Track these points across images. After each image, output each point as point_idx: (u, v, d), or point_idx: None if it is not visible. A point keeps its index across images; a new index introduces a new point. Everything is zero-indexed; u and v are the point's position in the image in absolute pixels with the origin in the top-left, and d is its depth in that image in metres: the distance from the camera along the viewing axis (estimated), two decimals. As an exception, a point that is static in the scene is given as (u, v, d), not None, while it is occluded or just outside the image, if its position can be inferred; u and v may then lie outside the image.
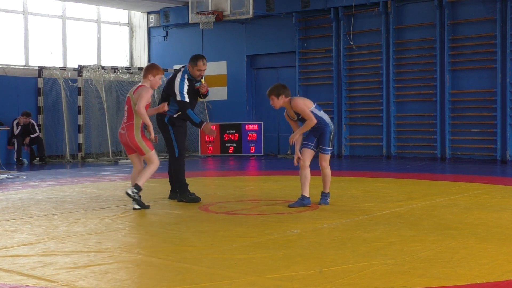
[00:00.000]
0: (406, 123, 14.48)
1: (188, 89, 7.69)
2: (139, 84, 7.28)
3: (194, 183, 10.02)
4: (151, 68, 7.29)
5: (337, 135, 15.18)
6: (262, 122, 16.04)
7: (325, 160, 7.20)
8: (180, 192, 7.81)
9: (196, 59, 7.72)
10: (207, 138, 16.03)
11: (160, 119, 7.82)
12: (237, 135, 16.10)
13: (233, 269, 4.35)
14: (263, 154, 16.03)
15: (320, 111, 7.17)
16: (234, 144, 16.09)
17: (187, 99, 7.64)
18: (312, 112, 7.04)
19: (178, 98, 7.62)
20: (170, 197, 8.00)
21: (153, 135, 7.22)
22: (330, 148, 7.17)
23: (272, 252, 4.85)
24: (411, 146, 14.43)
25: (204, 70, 7.77)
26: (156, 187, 9.46)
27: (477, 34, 13.46)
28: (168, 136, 7.76)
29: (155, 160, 7.17)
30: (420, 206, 7.12)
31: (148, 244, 5.21)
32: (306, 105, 7.04)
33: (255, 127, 16.03)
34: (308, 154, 7.14)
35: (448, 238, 5.29)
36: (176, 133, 7.72)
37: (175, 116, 7.71)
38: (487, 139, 13.37)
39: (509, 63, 12.94)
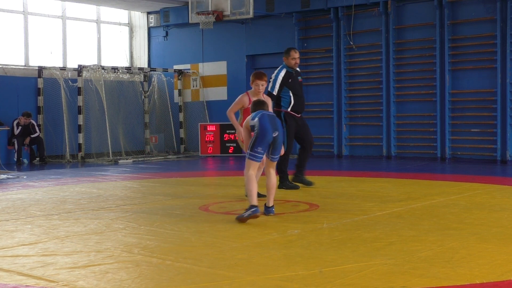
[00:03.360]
0: (406, 123, 14.47)
1: (292, 82, 8.57)
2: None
3: (194, 183, 10.03)
4: (251, 76, 7.68)
5: (337, 135, 15.19)
6: (262, 122, 16.00)
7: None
8: (280, 180, 8.58)
9: (288, 50, 8.72)
10: (207, 138, 16.09)
11: (277, 114, 8.35)
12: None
13: (233, 269, 4.35)
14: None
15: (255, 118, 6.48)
16: (234, 144, 16.07)
17: (275, 92, 8.52)
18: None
19: (269, 88, 8.44)
20: (293, 180, 8.86)
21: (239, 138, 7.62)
22: (249, 151, 6.59)
23: (272, 252, 4.85)
24: (411, 146, 14.42)
25: (298, 58, 8.68)
26: (156, 187, 9.47)
27: (477, 34, 13.45)
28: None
29: None
30: (420, 206, 7.12)
31: (148, 244, 5.21)
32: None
33: (255, 127, 16.01)
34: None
35: (448, 238, 5.29)
36: (287, 131, 8.52)
37: (289, 110, 8.55)
38: (487, 139, 13.36)
39: (509, 63, 12.93)
